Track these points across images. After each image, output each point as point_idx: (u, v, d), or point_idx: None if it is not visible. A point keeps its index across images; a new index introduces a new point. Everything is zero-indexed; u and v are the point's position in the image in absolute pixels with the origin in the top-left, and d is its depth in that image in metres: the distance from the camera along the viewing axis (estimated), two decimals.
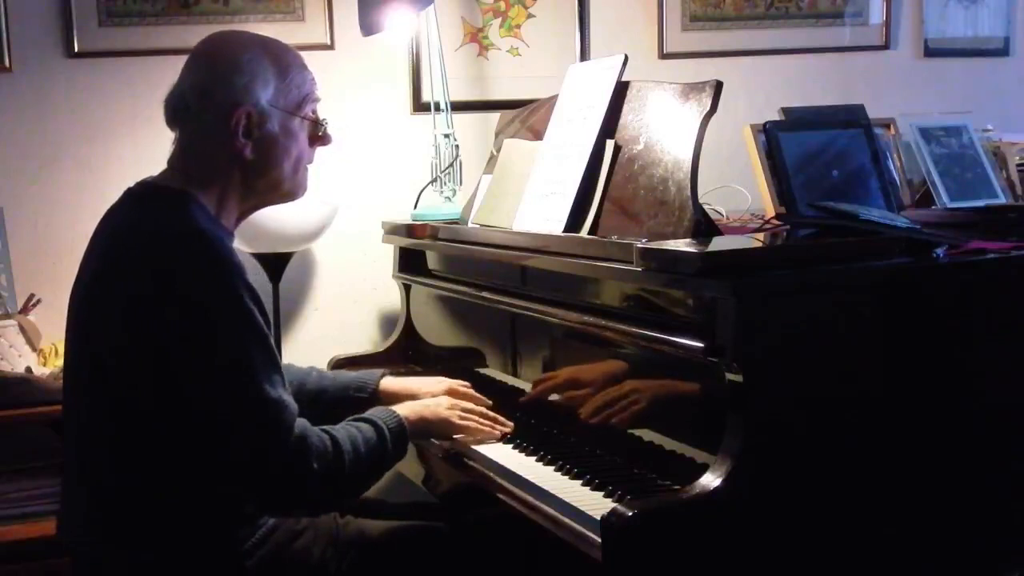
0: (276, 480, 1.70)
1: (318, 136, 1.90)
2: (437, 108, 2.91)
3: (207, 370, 1.66)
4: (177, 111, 1.82)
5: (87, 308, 1.77)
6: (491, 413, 2.07)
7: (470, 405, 2.07)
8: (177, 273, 1.67)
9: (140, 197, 1.81)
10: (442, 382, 2.17)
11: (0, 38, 2.85)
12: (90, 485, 1.76)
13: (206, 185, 1.80)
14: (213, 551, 1.76)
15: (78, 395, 1.79)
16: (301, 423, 1.72)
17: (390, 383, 2.19)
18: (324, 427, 1.78)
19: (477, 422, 2.03)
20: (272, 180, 1.85)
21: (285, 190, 1.88)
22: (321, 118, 1.90)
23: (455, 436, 2.03)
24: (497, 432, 2.03)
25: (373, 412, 1.92)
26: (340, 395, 2.16)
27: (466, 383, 2.19)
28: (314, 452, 1.71)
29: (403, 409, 1.96)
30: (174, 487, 1.71)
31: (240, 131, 1.78)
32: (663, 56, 3.29)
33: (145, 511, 1.72)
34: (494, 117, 2.72)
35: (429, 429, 2.01)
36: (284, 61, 1.85)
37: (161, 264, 1.68)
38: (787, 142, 2.01)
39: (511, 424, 2.06)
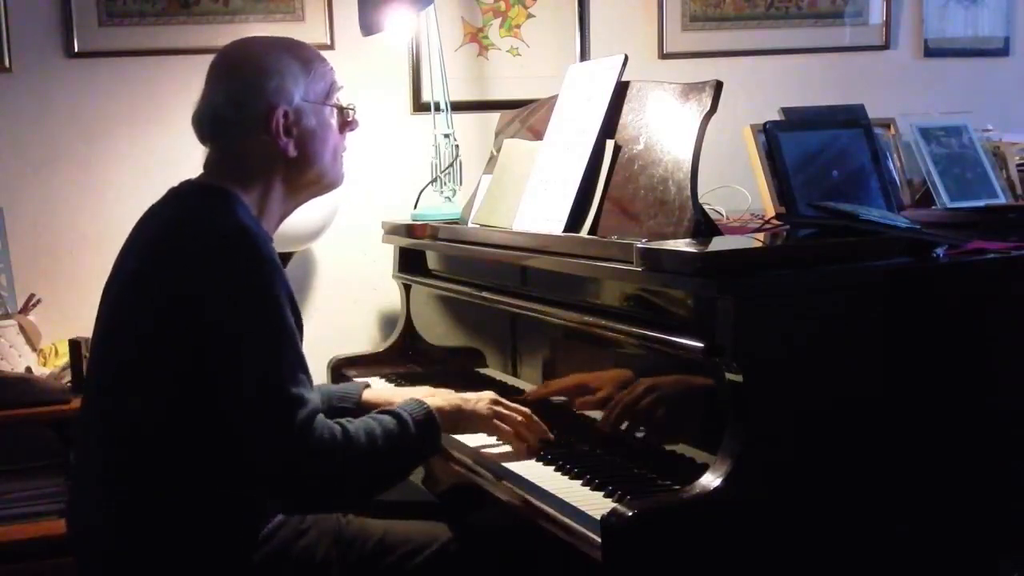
0: (283, 477, 1.70)
1: (347, 122, 1.95)
2: (437, 108, 2.91)
3: (237, 368, 1.67)
4: (214, 125, 1.85)
5: (124, 304, 1.78)
6: (534, 419, 1.97)
7: (514, 406, 1.99)
8: (221, 269, 1.69)
9: (185, 195, 1.84)
10: (430, 391, 2.11)
11: (0, 38, 2.85)
12: (107, 480, 1.76)
13: (248, 187, 1.84)
14: (222, 547, 1.76)
15: (102, 391, 1.79)
16: (319, 421, 1.70)
17: (372, 393, 2.17)
18: (340, 420, 1.76)
19: (515, 425, 1.95)
20: (315, 173, 1.89)
21: (327, 181, 1.93)
22: (347, 104, 1.95)
23: (492, 437, 1.97)
24: (533, 441, 1.93)
25: (401, 404, 1.88)
26: (325, 405, 2.13)
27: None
28: (320, 449, 1.69)
29: (437, 400, 1.93)
30: (195, 482, 1.72)
31: (281, 131, 1.82)
32: (663, 56, 3.29)
33: (163, 505, 1.72)
34: (494, 117, 2.72)
35: (463, 423, 1.95)
36: (305, 55, 1.89)
37: (206, 261, 1.70)
38: (787, 142, 2.00)
39: (551, 435, 1.95)
